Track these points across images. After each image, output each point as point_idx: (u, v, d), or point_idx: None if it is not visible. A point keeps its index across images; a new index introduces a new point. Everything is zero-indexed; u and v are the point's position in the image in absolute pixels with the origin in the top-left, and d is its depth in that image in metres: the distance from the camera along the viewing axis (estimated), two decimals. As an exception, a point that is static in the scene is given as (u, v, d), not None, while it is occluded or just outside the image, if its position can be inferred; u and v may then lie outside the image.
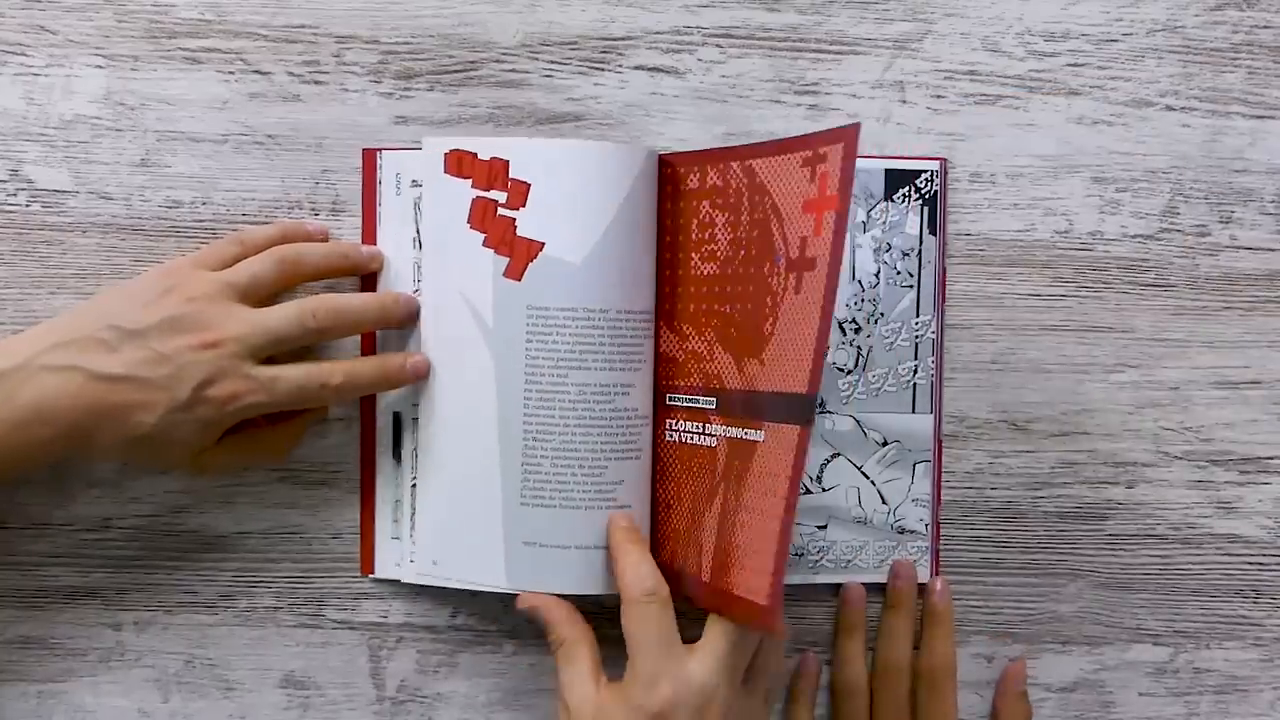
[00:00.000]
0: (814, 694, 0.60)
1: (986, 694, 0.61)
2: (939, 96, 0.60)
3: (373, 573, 0.60)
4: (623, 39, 0.60)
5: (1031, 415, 0.60)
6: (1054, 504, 0.60)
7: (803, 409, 0.48)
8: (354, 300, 0.56)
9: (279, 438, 0.58)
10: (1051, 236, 0.60)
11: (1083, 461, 0.60)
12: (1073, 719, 0.61)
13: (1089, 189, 0.60)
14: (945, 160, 0.59)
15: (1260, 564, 0.61)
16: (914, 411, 0.59)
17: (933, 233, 0.59)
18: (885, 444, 0.59)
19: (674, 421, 0.56)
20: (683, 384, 0.55)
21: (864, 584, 0.60)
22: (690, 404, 0.55)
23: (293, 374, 0.53)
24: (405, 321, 0.58)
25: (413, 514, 0.59)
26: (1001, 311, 0.60)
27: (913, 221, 0.59)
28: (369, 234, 0.59)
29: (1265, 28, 0.59)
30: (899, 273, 0.59)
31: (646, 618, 0.50)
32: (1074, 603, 0.61)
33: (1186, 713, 0.61)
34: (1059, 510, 0.60)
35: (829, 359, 0.59)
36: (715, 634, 0.50)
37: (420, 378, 0.57)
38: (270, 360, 0.53)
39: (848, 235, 0.59)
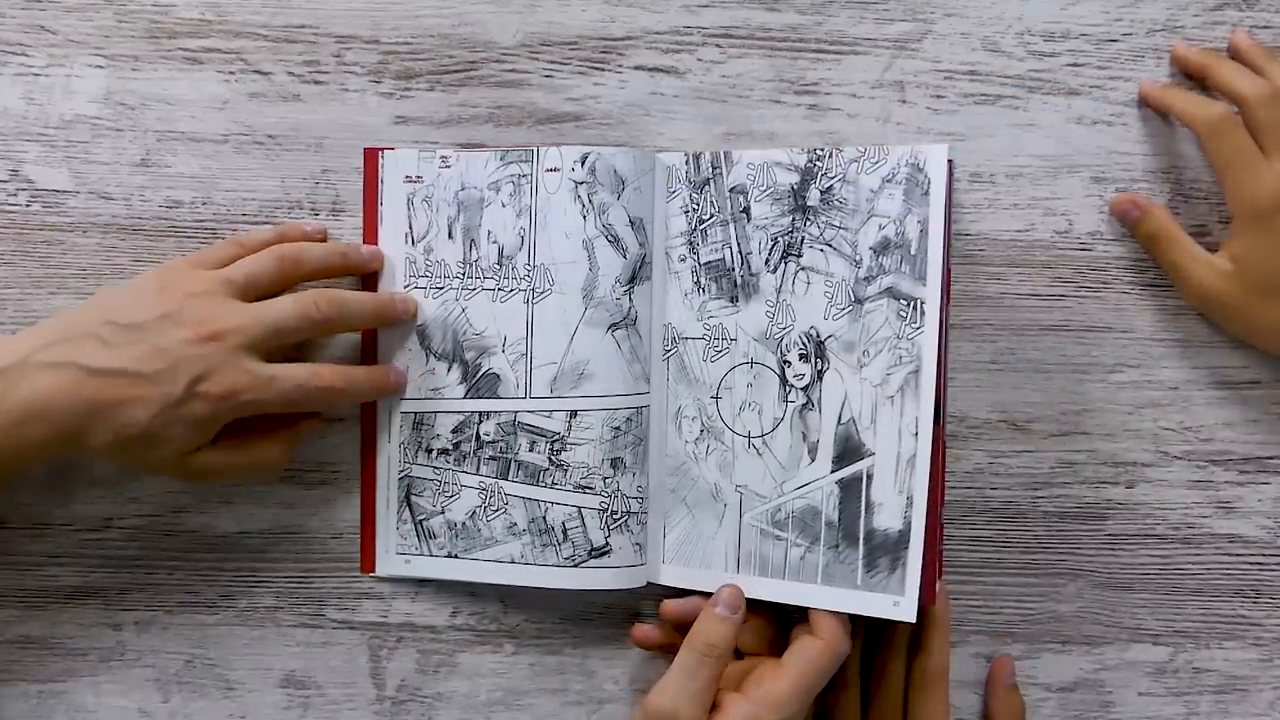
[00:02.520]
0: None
1: (986, 694, 0.61)
2: (939, 96, 0.60)
3: (373, 572, 0.60)
4: (623, 39, 0.60)
5: (1031, 415, 0.60)
6: (1054, 504, 0.60)
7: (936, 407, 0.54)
8: (354, 294, 0.57)
9: (275, 446, 0.57)
10: (1051, 236, 0.60)
11: (1083, 461, 0.60)
12: (1072, 719, 0.61)
13: (1089, 189, 0.60)
14: (952, 162, 0.59)
15: (1260, 564, 0.61)
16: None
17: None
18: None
19: None
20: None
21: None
22: None
23: (292, 373, 0.53)
24: (404, 320, 0.58)
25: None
26: (1001, 311, 0.60)
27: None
28: (370, 234, 0.59)
29: (1265, 28, 0.59)
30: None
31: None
32: (1074, 603, 0.61)
33: (1186, 713, 0.61)
34: (1059, 510, 0.60)
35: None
36: (800, 659, 0.53)
37: (402, 388, 0.59)
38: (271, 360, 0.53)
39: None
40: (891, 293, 0.54)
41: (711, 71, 0.60)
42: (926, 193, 0.54)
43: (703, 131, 0.60)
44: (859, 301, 0.55)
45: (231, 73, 0.59)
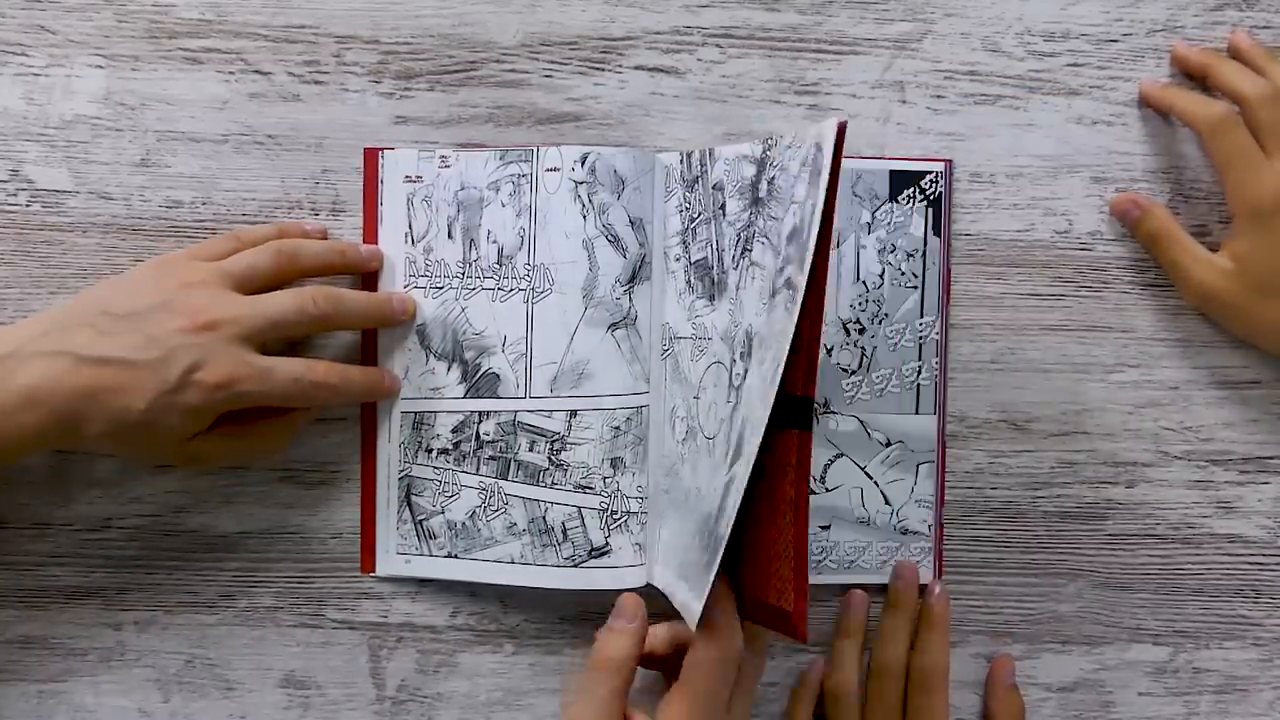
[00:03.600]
0: (814, 697, 0.60)
1: (986, 694, 0.61)
2: (939, 96, 0.60)
3: (373, 572, 0.60)
4: (623, 39, 0.60)
5: (1031, 415, 0.60)
6: (1054, 504, 0.60)
7: (800, 412, 0.47)
8: (352, 292, 0.57)
9: (275, 430, 0.57)
10: (1051, 236, 0.60)
11: (1083, 461, 0.60)
12: (1072, 719, 0.61)
13: (1089, 189, 0.60)
14: (950, 162, 0.59)
15: (1260, 564, 0.61)
16: (917, 412, 0.59)
17: (937, 234, 0.59)
18: (889, 444, 0.59)
19: None
20: None
21: (866, 585, 0.60)
22: None
23: (288, 366, 0.53)
24: (401, 320, 0.58)
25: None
26: (1001, 311, 0.60)
27: (917, 223, 0.59)
28: (370, 234, 0.59)
29: (1265, 28, 0.59)
30: (903, 274, 0.59)
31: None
32: (1074, 603, 0.61)
33: (1186, 713, 0.61)
34: (1059, 510, 0.60)
35: (832, 359, 0.59)
36: (691, 671, 0.50)
37: (395, 393, 0.59)
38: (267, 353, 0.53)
39: (852, 236, 0.59)
40: (789, 283, 0.47)
41: (711, 71, 0.60)
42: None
43: (703, 131, 0.60)
44: (773, 294, 0.49)
45: (231, 73, 0.59)
